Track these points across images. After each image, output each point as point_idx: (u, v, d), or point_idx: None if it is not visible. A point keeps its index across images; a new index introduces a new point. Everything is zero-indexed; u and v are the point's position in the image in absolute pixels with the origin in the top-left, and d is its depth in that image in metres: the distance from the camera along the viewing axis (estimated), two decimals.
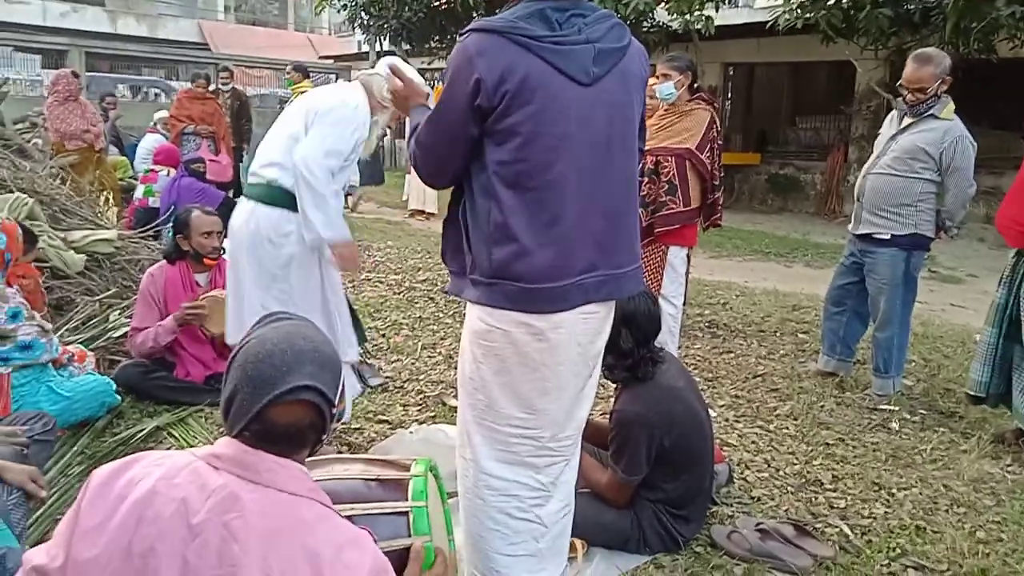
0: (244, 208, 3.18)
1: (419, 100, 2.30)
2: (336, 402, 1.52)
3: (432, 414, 3.91)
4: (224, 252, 4.13)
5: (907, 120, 4.18)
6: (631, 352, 2.74)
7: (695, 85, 4.55)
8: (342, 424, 3.56)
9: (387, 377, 4.39)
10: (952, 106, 4.09)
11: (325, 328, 3.14)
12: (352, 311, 3.48)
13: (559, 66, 1.91)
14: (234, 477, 1.38)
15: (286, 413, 1.42)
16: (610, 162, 2.03)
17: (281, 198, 3.07)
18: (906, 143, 4.13)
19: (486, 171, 1.98)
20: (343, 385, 1.55)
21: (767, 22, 10.48)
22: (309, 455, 1.55)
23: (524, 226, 1.94)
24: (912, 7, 9.68)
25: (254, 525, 1.33)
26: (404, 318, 5.62)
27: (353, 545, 1.39)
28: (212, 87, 9.85)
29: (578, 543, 2.70)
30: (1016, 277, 3.71)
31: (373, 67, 3.49)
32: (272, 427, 1.42)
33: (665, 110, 4.54)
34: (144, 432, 3.49)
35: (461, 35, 1.99)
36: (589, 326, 2.09)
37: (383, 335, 5.18)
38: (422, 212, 11.15)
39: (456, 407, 2.35)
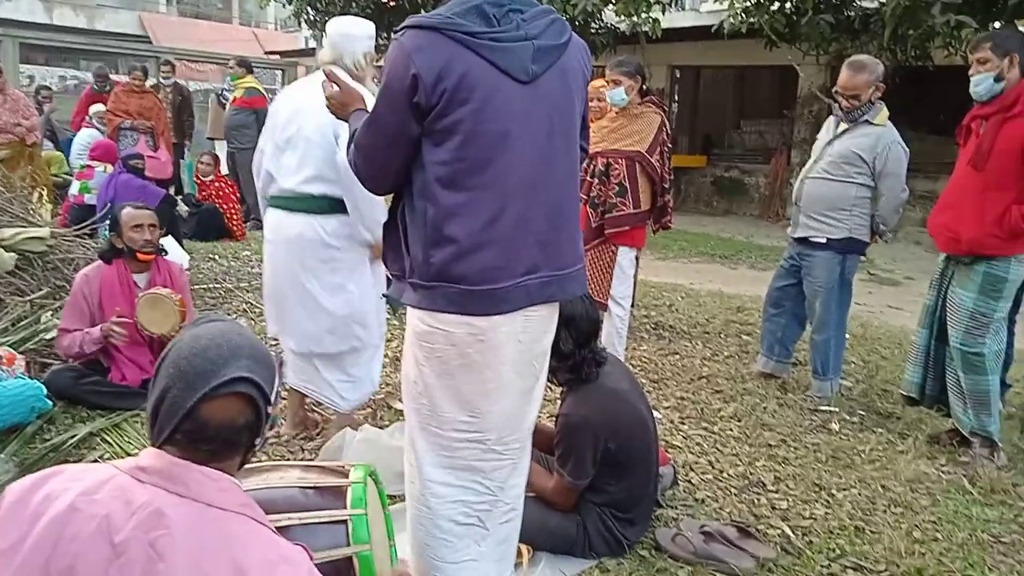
0: (296, 221, 3.21)
1: (356, 105, 2.24)
2: (272, 403, 1.47)
3: (378, 417, 3.86)
4: (165, 252, 4.02)
5: (843, 126, 4.27)
6: (572, 353, 2.73)
7: (644, 88, 4.59)
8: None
9: None
10: (886, 112, 4.19)
11: (374, 321, 3.37)
12: None
13: (497, 63, 1.88)
14: (161, 491, 1.31)
15: (221, 409, 1.37)
16: (552, 161, 2.00)
17: (335, 207, 3.18)
18: (841, 148, 4.22)
19: (424, 171, 1.94)
20: (277, 389, 1.50)
21: (713, 26, 10.62)
22: (242, 464, 1.49)
23: (462, 226, 1.91)
24: (852, 14, 9.91)
25: (181, 543, 1.27)
26: None
27: (286, 562, 1.34)
28: (152, 81, 9.60)
29: (523, 548, 2.69)
30: (944, 280, 3.82)
31: (319, 63, 3.44)
32: (205, 426, 1.36)
33: (616, 113, 4.58)
34: (76, 438, 3.37)
35: (396, 32, 1.94)
36: (531, 325, 2.07)
37: None
38: None
39: (402, 410, 2.31)
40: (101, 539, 1.25)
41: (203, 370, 1.36)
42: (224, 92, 10.04)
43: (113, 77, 10.48)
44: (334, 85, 2.29)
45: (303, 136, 3.17)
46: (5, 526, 1.29)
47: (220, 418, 1.37)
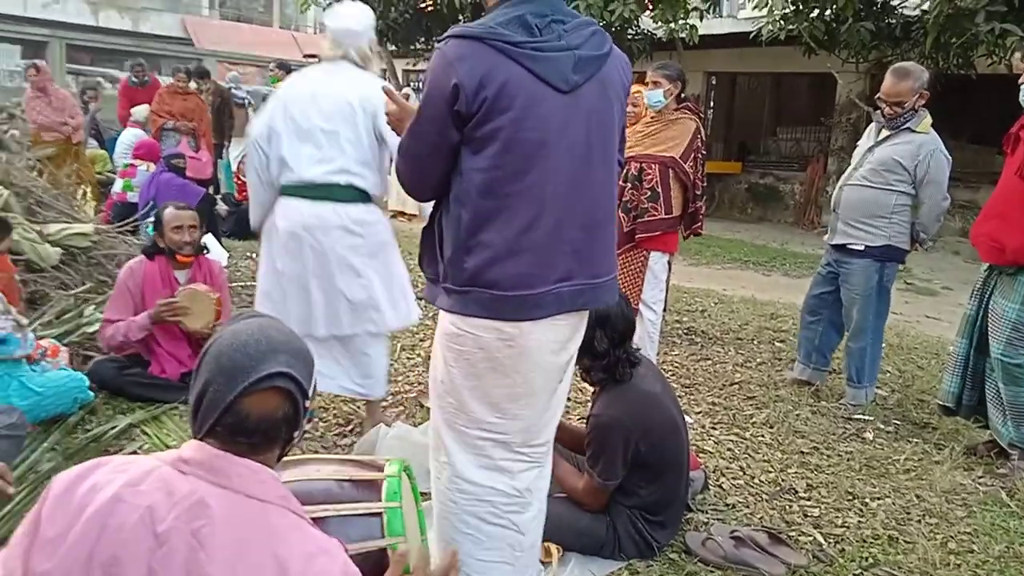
0: (320, 209, 3.23)
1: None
2: (310, 398, 1.50)
3: (410, 416, 3.89)
4: (207, 250, 4.10)
5: (884, 133, 4.23)
6: (607, 353, 2.74)
7: (682, 95, 4.58)
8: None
9: None
10: (929, 120, 4.14)
11: (398, 294, 3.45)
12: None
13: (538, 72, 1.90)
14: (203, 483, 1.34)
15: (260, 403, 1.40)
16: (589, 171, 2.02)
17: (358, 196, 3.27)
18: (882, 155, 4.18)
19: (461, 178, 1.96)
20: (315, 383, 1.53)
21: (750, 33, 10.56)
22: (280, 457, 1.52)
23: (498, 233, 1.93)
24: (893, 21, 9.80)
25: (222, 533, 1.30)
26: None
27: (324, 554, 1.37)
28: (194, 85, 9.77)
29: (553, 548, 2.70)
30: (987, 290, 3.77)
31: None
32: (245, 419, 1.39)
33: (652, 117, 4.57)
34: (117, 429, 3.44)
35: (439, 41, 1.97)
36: (561, 333, 2.08)
37: None
38: (403, 213, 11.11)
39: None
40: (144, 529, 1.29)
41: (243, 365, 1.39)
42: (232, 92, 10.19)
43: (157, 78, 10.70)
44: (392, 103, 2.31)
45: (326, 129, 3.19)
46: (52, 516, 1.32)
47: (260, 412, 1.40)
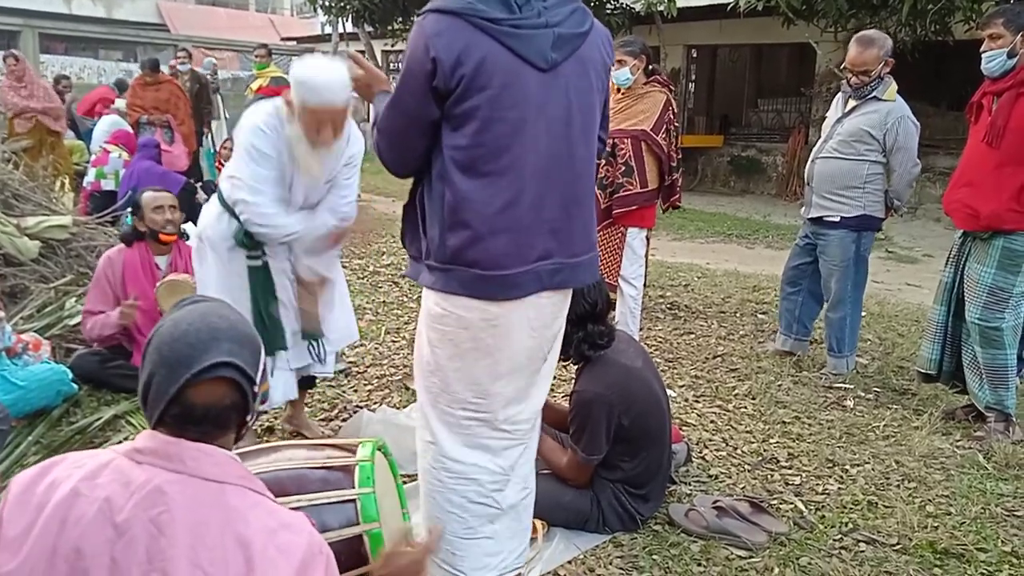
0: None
1: (381, 87, 2.26)
2: (259, 383, 1.47)
3: (395, 398, 3.92)
4: (186, 237, 4.08)
5: (852, 103, 4.26)
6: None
7: (650, 68, 4.59)
8: (272, 408, 3.40)
9: (350, 362, 4.38)
10: (895, 87, 4.17)
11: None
12: None
13: (517, 50, 1.89)
14: (158, 470, 1.34)
15: (205, 393, 1.38)
16: (568, 149, 2.02)
17: None
18: (851, 126, 4.21)
19: (442, 155, 1.96)
20: (264, 366, 1.51)
21: (729, 4, 10.53)
22: (236, 439, 1.50)
23: (478, 212, 1.94)
24: None
25: (181, 518, 1.30)
26: (368, 303, 5.61)
27: (286, 529, 1.37)
28: (165, 70, 9.67)
29: (538, 523, 2.73)
30: (962, 256, 3.81)
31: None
32: (192, 409, 1.37)
33: (622, 94, 4.58)
34: (101, 420, 3.45)
35: (419, 14, 1.96)
36: (544, 311, 2.10)
37: None
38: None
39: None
40: (103, 521, 1.29)
41: (184, 356, 1.37)
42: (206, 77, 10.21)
43: (129, 66, 10.60)
44: (357, 67, 2.31)
45: None
46: (12, 516, 1.33)
47: (205, 401, 1.38)
